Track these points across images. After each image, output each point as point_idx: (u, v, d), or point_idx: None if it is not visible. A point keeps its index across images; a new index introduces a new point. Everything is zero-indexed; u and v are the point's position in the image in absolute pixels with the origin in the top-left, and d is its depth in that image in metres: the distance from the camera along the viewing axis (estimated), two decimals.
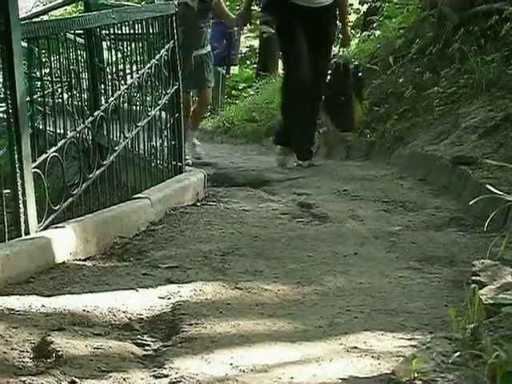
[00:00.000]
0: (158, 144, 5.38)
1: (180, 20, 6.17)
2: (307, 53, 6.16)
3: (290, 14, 6.19)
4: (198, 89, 7.95)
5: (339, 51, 6.76)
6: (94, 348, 2.45)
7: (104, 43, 5.15)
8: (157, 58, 5.35)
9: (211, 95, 8.38)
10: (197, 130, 8.23)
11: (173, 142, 5.54)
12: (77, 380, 2.19)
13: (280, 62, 11.61)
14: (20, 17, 3.77)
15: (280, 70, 11.51)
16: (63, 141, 4.09)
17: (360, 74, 6.59)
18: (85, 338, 2.51)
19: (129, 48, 5.27)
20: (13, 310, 2.78)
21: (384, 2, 11.23)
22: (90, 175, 4.35)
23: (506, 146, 5.16)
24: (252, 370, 2.23)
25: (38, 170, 3.71)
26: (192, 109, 7.80)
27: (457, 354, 2.21)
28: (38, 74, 4.39)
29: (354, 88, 6.42)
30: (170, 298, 2.95)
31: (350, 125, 6.56)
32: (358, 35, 11.80)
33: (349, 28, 6.65)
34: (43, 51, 4.53)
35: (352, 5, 15.36)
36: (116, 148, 4.75)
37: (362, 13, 15.78)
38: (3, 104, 3.59)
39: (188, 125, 7.16)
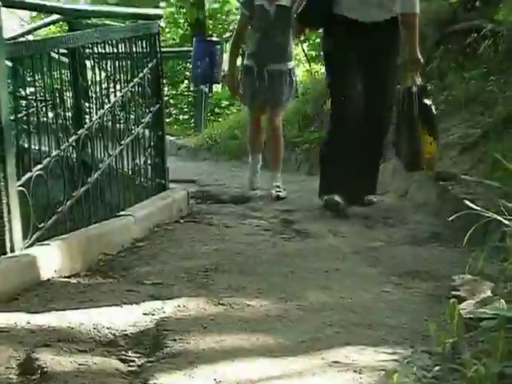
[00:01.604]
0: (141, 162, 5.38)
1: (256, 25, 6.09)
2: (367, 80, 4.98)
3: (341, 30, 4.93)
4: (269, 107, 6.31)
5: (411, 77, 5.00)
6: (79, 364, 2.43)
7: (88, 62, 5.14)
8: (140, 76, 5.36)
9: (280, 122, 6.47)
10: (278, 170, 6.47)
11: (156, 160, 5.55)
12: None
13: None
14: (5, 37, 3.76)
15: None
16: (48, 159, 4.08)
17: (427, 101, 4.93)
18: (70, 355, 2.50)
19: (112, 67, 5.27)
20: None
21: None
22: (75, 193, 4.35)
23: (485, 162, 5.18)
24: None
25: (22, 188, 3.70)
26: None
27: (437, 368, 2.22)
28: (22, 93, 4.38)
29: (421, 117, 4.88)
30: (154, 314, 2.94)
31: (416, 162, 5.09)
32: None
33: (417, 49, 4.87)
34: (28, 70, 4.53)
35: None
36: (100, 166, 4.76)
37: None
38: None
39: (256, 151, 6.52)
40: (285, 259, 3.99)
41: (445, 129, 6.61)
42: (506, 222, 2.49)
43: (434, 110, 4.96)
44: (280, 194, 6.16)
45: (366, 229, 4.98)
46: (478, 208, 2.92)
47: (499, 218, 2.54)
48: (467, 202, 3.40)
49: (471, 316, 2.39)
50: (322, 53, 5.77)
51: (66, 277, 3.54)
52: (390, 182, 6.05)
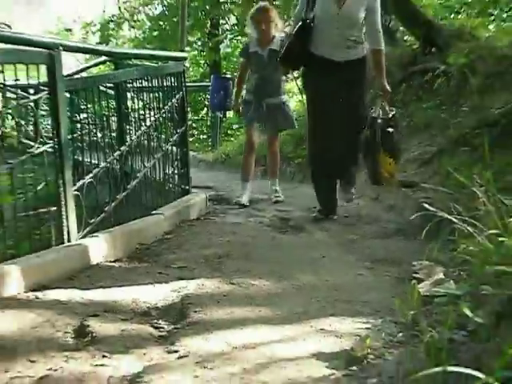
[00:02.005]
0: (170, 172, 5.39)
1: (253, 68, 5.91)
2: (338, 110, 4.64)
3: (317, 68, 4.69)
4: (268, 135, 6.20)
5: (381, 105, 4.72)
6: (121, 330, 2.45)
7: (129, 94, 5.16)
8: (169, 105, 5.38)
9: (278, 146, 6.26)
10: (276, 179, 6.28)
11: (181, 170, 5.56)
12: (107, 355, 2.19)
13: None
14: (64, 74, 3.78)
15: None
16: (97, 169, 4.10)
17: (388, 129, 4.65)
18: (114, 322, 2.52)
19: (148, 97, 5.28)
20: (58, 300, 2.78)
21: None
22: (118, 196, 4.37)
23: (440, 173, 5.17)
24: (242, 347, 2.23)
25: (77, 193, 3.72)
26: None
27: (400, 334, 2.23)
28: (77, 117, 4.40)
29: (382, 142, 4.63)
30: (179, 291, 2.95)
31: (377, 179, 4.85)
32: None
33: (385, 80, 4.67)
34: (82, 100, 4.55)
35: None
36: (138, 175, 4.77)
37: None
38: (51, 141, 3.59)
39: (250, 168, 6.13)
40: (282, 249, 4.00)
41: (407, 147, 6.61)
42: (455, 220, 2.49)
43: (395, 137, 4.74)
44: (278, 198, 6.03)
45: (347, 226, 4.98)
46: (434, 209, 2.92)
47: (450, 217, 2.54)
48: (425, 205, 3.40)
49: (427, 294, 2.39)
50: (303, 85, 5.35)
51: (110, 262, 3.56)
52: (365, 189, 6.04)
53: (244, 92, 6.20)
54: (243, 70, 6.12)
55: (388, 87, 4.73)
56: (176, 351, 2.23)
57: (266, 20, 5.67)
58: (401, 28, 9.10)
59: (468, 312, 1.83)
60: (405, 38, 9.23)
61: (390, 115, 4.68)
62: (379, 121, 4.67)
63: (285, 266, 3.52)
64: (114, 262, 3.56)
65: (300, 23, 4.65)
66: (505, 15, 14.16)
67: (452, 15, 13.30)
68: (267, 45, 5.71)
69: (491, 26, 11.50)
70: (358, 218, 5.19)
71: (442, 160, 5.54)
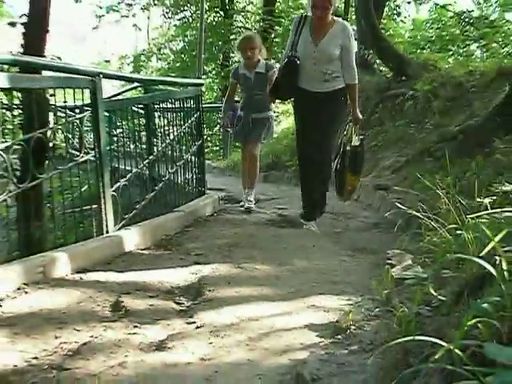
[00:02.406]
0: (189, 176, 5.39)
1: (242, 88, 5.60)
2: (316, 133, 4.31)
3: (300, 97, 4.42)
4: (248, 141, 5.54)
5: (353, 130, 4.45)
6: (149, 305, 2.46)
7: (156, 113, 5.16)
8: (188, 122, 5.37)
9: (257, 152, 5.59)
10: (252, 189, 5.54)
11: (199, 175, 5.55)
12: (138, 325, 2.20)
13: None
14: (103, 97, 3.79)
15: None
16: (130, 174, 4.11)
17: (356, 154, 4.41)
18: (143, 299, 2.53)
19: (171, 116, 5.28)
20: (98, 281, 2.79)
21: None
22: (147, 196, 4.37)
23: (409, 178, 5.17)
24: (248, 320, 2.24)
25: (114, 193, 3.73)
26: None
27: (377, 309, 2.22)
28: (114, 132, 4.41)
29: (348, 163, 4.40)
30: (197, 274, 2.95)
31: (341, 194, 4.57)
32: None
33: (358, 110, 4.41)
34: (118, 118, 4.55)
35: None
36: (163, 179, 4.77)
37: None
38: (93, 151, 3.59)
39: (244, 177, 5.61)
40: (280, 239, 3.99)
41: (382, 157, 6.62)
42: (422, 217, 2.48)
43: (360, 160, 4.50)
44: (251, 206, 5.38)
45: (333, 220, 4.98)
46: (404, 208, 2.93)
47: (417, 214, 2.54)
48: (397, 204, 3.41)
49: (399, 277, 2.38)
50: (293, 110, 4.83)
51: (140, 249, 3.56)
52: None
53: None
54: (231, 89, 5.74)
55: (360, 116, 4.51)
56: (194, 322, 2.23)
57: (251, 47, 5.29)
58: (378, 61, 9.09)
59: (432, 291, 1.83)
60: (381, 68, 9.21)
61: (359, 142, 4.44)
62: (348, 147, 4.43)
63: (282, 253, 3.52)
64: (143, 249, 3.56)
65: (285, 61, 4.39)
66: (461, 51, 14.25)
67: (418, 50, 13.32)
68: (253, 68, 5.37)
69: (450, 60, 11.55)
70: (342, 215, 5.18)
71: (410, 168, 5.53)
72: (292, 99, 4.85)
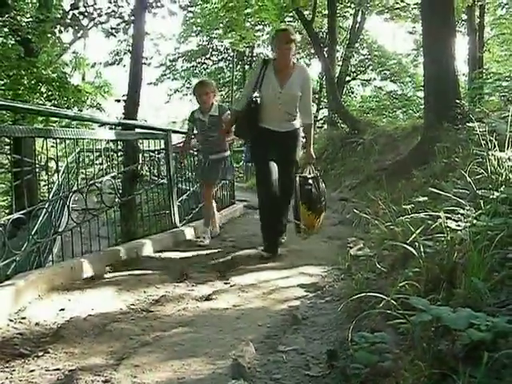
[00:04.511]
0: (225, 193, 5.30)
1: (199, 131, 3.53)
2: (277, 163, 2.85)
3: (262, 136, 2.84)
4: (209, 181, 3.54)
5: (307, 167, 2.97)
6: (202, 273, 2.45)
7: None
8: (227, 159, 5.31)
9: (212, 191, 3.64)
10: (208, 227, 3.51)
11: (230, 192, 5.44)
12: (194, 285, 2.19)
13: None
14: (172, 143, 3.80)
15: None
16: (188, 192, 4.09)
17: (308, 187, 2.88)
18: (199, 270, 2.50)
19: None
20: (170, 258, 2.79)
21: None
22: (199, 205, 4.33)
23: (360, 193, 5.11)
24: (262, 281, 2.22)
25: (179, 203, 3.71)
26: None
27: (342, 275, 2.20)
28: (179, 165, 4.39)
29: (302, 198, 2.86)
30: (230, 254, 2.91)
31: (297, 226, 2.91)
32: None
33: (312, 149, 2.96)
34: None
35: None
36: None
37: None
38: (166, 177, 3.61)
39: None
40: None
41: (344, 180, 6.58)
42: (368, 217, 2.47)
43: (313, 193, 2.89)
44: (201, 243, 3.29)
45: None
46: (358, 212, 2.91)
47: (366, 215, 2.52)
48: (354, 210, 3.38)
49: (355, 254, 2.36)
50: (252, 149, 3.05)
51: (195, 238, 3.51)
52: None
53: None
54: (188, 133, 3.65)
55: (313, 154, 3.01)
56: (228, 283, 2.22)
57: (205, 92, 3.38)
58: (340, 121, 9.11)
59: (376, 264, 1.82)
60: (342, 125, 9.20)
61: (312, 176, 2.91)
62: (300, 179, 2.89)
63: (286, 241, 3.41)
64: (197, 238, 3.52)
65: (248, 102, 2.87)
66: (391, 115, 14.79)
67: (365, 114, 13.48)
68: (208, 111, 3.39)
69: (384, 120, 11.75)
70: None
71: (361, 187, 5.49)
72: (249, 139, 3.11)
